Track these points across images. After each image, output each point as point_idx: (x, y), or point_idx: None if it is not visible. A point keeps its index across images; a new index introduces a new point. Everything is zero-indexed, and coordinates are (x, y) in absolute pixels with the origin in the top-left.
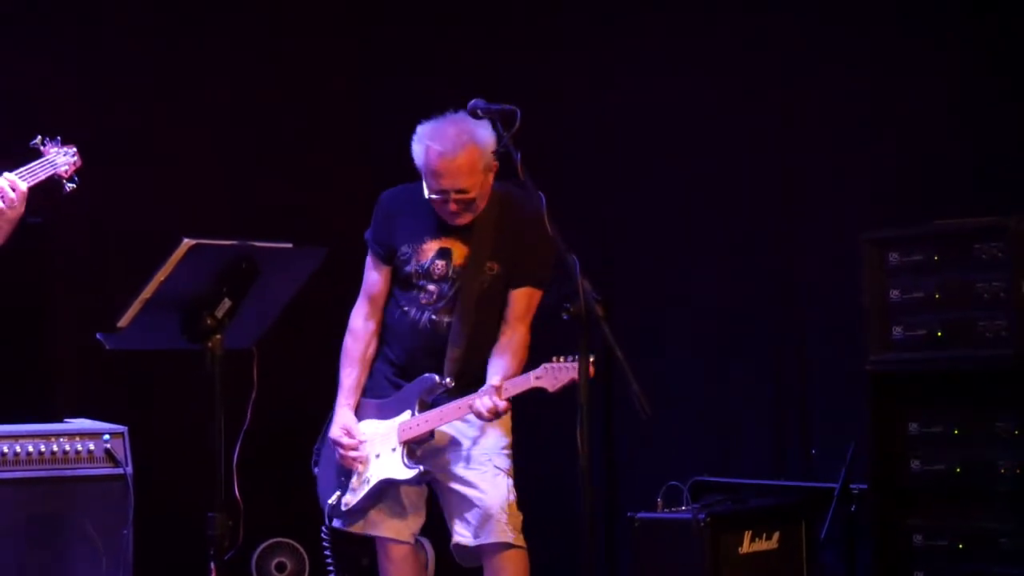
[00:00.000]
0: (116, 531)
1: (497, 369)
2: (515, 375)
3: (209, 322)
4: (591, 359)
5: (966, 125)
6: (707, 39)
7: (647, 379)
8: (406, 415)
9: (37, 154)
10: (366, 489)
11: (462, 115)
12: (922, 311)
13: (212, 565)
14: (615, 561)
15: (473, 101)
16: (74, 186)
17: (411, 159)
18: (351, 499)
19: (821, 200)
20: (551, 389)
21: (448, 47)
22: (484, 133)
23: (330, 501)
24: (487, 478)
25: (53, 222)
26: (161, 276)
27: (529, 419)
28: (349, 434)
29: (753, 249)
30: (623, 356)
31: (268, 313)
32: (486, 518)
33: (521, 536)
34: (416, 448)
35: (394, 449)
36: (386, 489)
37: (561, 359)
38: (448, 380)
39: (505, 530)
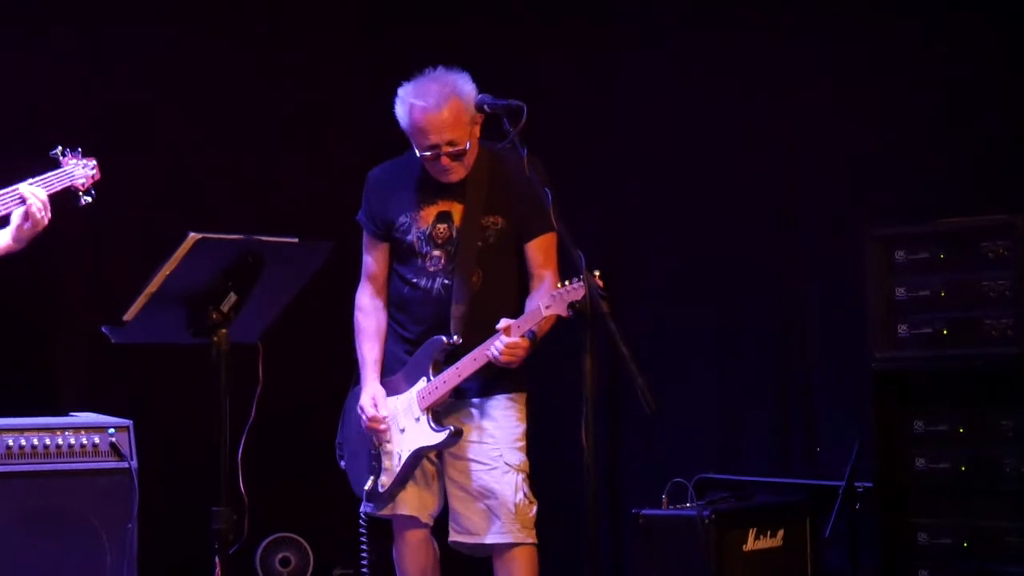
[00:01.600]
0: (121, 525)
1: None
2: None
3: (215, 316)
4: (596, 273)
5: (971, 121)
6: (711, 38)
7: (652, 375)
8: (422, 382)
9: (56, 164)
10: (399, 465)
11: (441, 71)
12: (928, 309)
13: (217, 559)
14: (620, 557)
15: (480, 96)
16: (90, 200)
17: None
18: (387, 479)
19: (826, 196)
20: (564, 313)
21: (456, 41)
22: (466, 85)
23: (366, 487)
24: (496, 476)
25: (57, 217)
26: (167, 270)
27: (533, 414)
28: (376, 405)
29: (758, 246)
30: (628, 351)
31: (274, 307)
32: (493, 518)
33: (531, 532)
34: (440, 412)
35: (418, 419)
36: (413, 465)
37: (567, 283)
38: (456, 338)
39: (511, 530)
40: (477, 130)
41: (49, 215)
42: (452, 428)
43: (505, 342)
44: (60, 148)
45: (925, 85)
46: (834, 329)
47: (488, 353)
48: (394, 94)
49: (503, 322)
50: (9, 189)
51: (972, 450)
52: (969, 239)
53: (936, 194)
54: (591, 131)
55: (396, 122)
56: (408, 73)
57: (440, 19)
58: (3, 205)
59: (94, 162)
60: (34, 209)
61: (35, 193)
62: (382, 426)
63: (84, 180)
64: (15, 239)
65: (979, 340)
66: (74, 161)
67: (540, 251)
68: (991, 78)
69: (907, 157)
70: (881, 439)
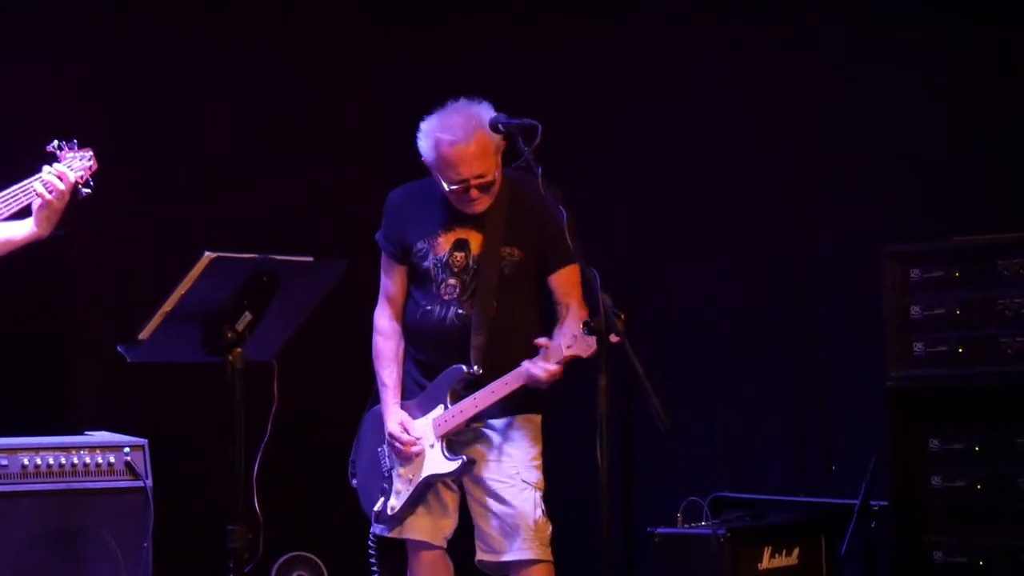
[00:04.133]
0: (136, 544)
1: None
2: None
3: (230, 335)
4: (621, 316)
5: (988, 139)
6: (725, 55)
7: (667, 394)
8: (439, 410)
9: (54, 159)
10: (410, 490)
11: (464, 102)
12: (943, 327)
13: None
14: None
15: (494, 116)
16: (89, 191)
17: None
18: (396, 502)
19: (843, 213)
20: (585, 355)
21: (468, 52)
22: (488, 114)
23: (375, 508)
24: (515, 493)
25: (74, 235)
26: (182, 289)
27: (549, 433)
28: (405, 430)
29: (772, 265)
30: (643, 370)
31: (289, 326)
32: (512, 535)
33: (548, 550)
34: (455, 441)
35: (432, 445)
36: (425, 491)
37: (586, 329)
38: (476, 368)
39: (531, 546)
40: (499, 158)
41: (69, 193)
42: (465, 458)
43: (549, 368)
44: (56, 142)
45: (941, 103)
46: (849, 347)
47: (523, 374)
48: (408, 112)
49: (543, 340)
50: (26, 182)
51: (988, 468)
52: (984, 257)
53: (952, 212)
54: (598, 144)
55: (411, 140)
56: (422, 93)
57: (459, 26)
58: (26, 195)
59: (90, 153)
60: (53, 188)
61: (56, 168)
62: (415, 448)
63: (82, 172)
64: (37, 223)
65: (995, 358)
66: (71, 154)
67: (563, 283)
68: (1011, 96)
69: (923, 175)
70: (897, 457)
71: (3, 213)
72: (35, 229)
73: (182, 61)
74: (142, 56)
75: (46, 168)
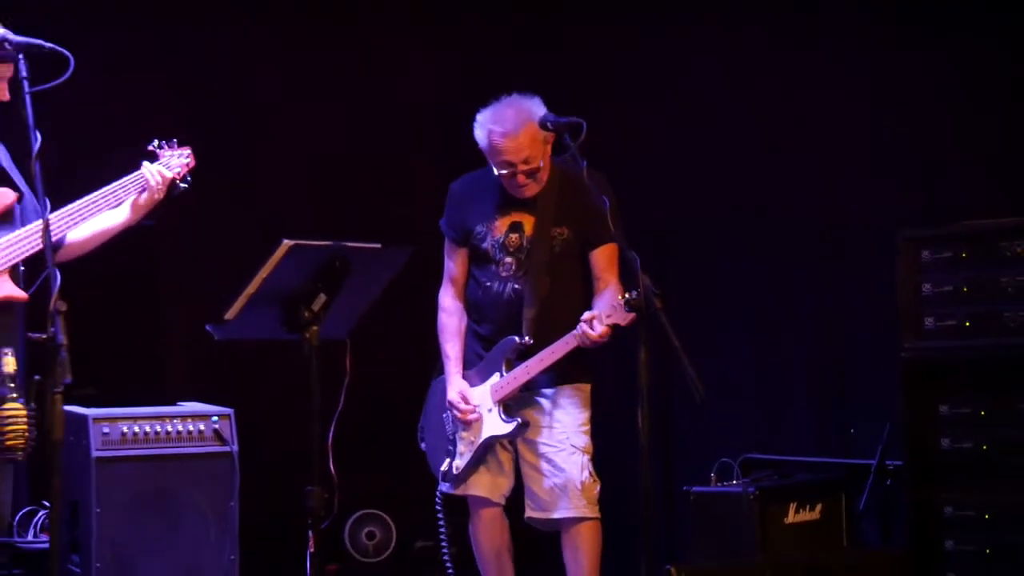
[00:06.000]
0: (224, 503)
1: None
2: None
3: (306, 315)
4: (659, 294)
5: (992, 131)
6: (751, 58)
7: (701, 366)
8: (495, 377)
9: (154, 157)
10: (472, 451)
11: (515, 97)
12: (952, 303)
13: (310, 534)
14: (673, 531)
15: (543, 115)
16: (186, 187)
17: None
18: (460, 463)
19: (863, 199)
20: (623, 323)
21: (524, 48)
22: (539, 110)
23: (442, 468)
24: (564, 457)
25: (163, 225)
26: (263, 274)
27: (597, 402)
28: (465, 399)
29: (798, 249)
30: (680, 345)
31: (360, 306)
32: (561, 495)
33: (594, 508)
34: (511, 406)
35: (490, 409)
36: (485, 451)
37: (627, 295)
38: (527, 339)
39: (578, 505)
40: (548, 148)
41: (166, 188)
42: (520, 420)
43: (599, 330)
44: (156, 141)
45: (951, 98)
46: (867, 322)
47: (574, 339)
48: (466, 110)
49: (587, 314)
50: (125, 179)
51: (993, 431)
52: (989, 239)
53: (959, 198)
54: (642, 133)
55: (470, 134)
56: (480, 94)
57: (517, 27)
58: (125, 191)
59: (188, 151)
60: (152, 182)
61: (153, 171)
62: (472, 416)
63: (180, 169)
64: (133, 209)
65: (999, 331)
66: (169, 152)
67: (602, 259)
68: (1013, 93)
69: (933, 167)
70: (910, 421)
71: (106, 206)
72: (129, 216)
73: (259, 61)
74: (223, 58)
75: (145, 164)
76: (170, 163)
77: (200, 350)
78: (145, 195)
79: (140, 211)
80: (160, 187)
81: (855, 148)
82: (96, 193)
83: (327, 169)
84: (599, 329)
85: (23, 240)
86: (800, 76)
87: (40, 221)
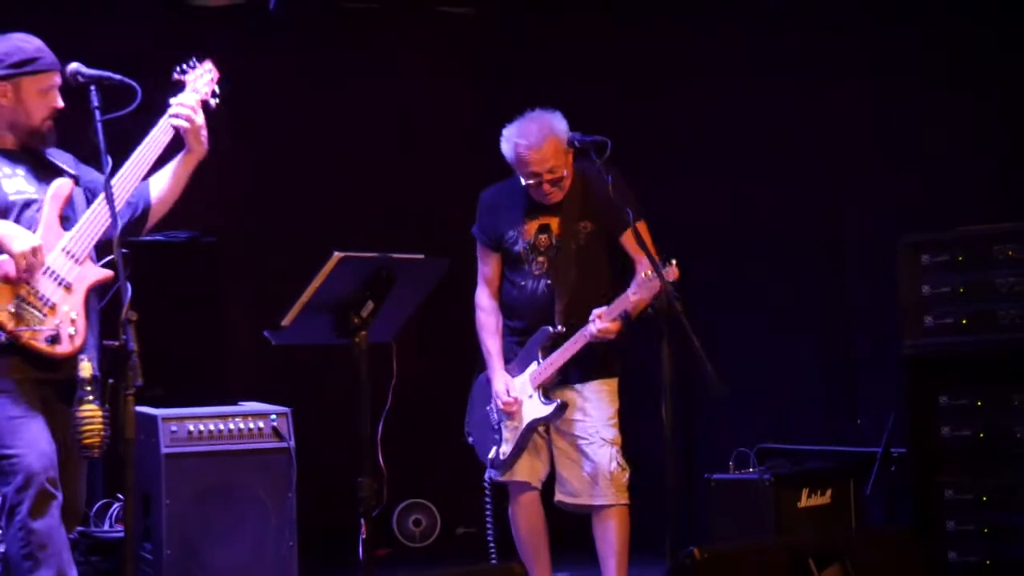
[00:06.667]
0: (282, 494)
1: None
2: None
3: (356, 321)
4: (673, 261)
5: (989, 141)
6: (765, 65)
7: (720, 363)
8: (533, 366)
9: (181, 85)
10: (517, 437)
11: (539, 112)
12: (950, 303)
13: (362, 521)
14: (695, 515)
15: (570, 134)
16: (218, 100)
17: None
18: (506, 448)
19: (865, 210)
20: (649, 298)
21: (547, 73)
22: (560, 123)
23: (490, 456)
24: (594, 449)
25: (225, 240)
26: (316, 284)
27: (624, 395)
28: (508, 391)
29: (808, 252)
30: (700, 344)
31: (404, 312)
32: (591, 483)
33: (622, 495)
34: (549, 390)
35: (531, 395)
36: (528, 436)
37: (649, 273)
38: (560, 328)
39: (606, 493)
40: (570, 158)
41: (199, 115)
42: (559, 402)
43: (599, 326)
44: (179, 67)
45: (949, 109)
46: (872, 321)
47: (585, 334)
48: (493, 126)
49: (595, 312)
50: (158, 125)
51: (989, 420)
52: (983, 244)
53: (956, 205)
54: (660, 138)
55: (499, 149)
56: (508, 112)
57: (538, 54)
58: (163, 133)
59: (209, 63)
60: (183, 113)
61: (182, 102)
62: (514, 407)
63: (207, 88)
64: (189, 147)
65: (993, 328)
66: (193, 74)
67: (630, 243)
68: (1013, 99)
69: (931, 176)
70: (912, 412)
71: (152, 155)
72: (190, 150)
73: (312, 87)
74: (279, 76)
75: (172, 100)
76: (196, 85)
77: (259, 354)
78: (187, 125)
79: (196, 142)
80: (193, 115)
81: (860, 153)
82: (138, 149)
83: (373, 181)
84: (600, 325)
85: (90, 223)
86: (806, 91)
87: (102, 196)
